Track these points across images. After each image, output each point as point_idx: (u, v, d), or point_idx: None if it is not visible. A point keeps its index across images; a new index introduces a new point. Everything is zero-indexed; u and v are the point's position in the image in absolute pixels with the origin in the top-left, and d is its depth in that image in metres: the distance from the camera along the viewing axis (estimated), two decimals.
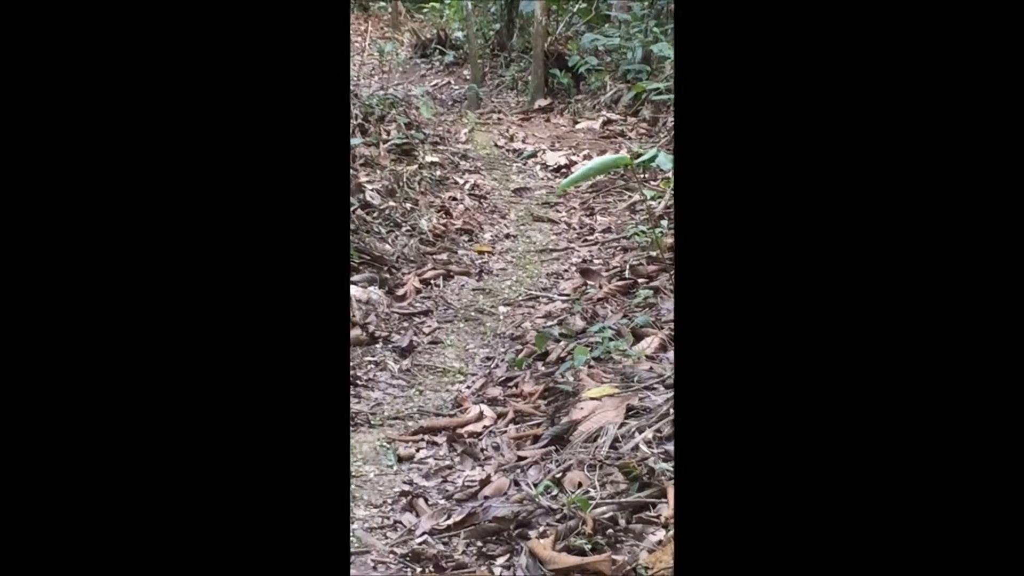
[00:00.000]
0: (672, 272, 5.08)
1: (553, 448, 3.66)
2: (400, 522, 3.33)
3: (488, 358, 4.74)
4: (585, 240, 6.40)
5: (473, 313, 5.32)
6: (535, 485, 3.39)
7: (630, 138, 8.51)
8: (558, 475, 3.42)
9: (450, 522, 3.25)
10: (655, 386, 3.88)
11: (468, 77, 11.11)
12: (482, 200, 7.32)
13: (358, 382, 4.40)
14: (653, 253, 5.55)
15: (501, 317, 5.28)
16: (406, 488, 3.54)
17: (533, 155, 8.56)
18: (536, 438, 3.78)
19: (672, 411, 3.53)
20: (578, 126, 9.36)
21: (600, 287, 5.28)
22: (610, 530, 3.03)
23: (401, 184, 6.75)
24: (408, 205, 6.56)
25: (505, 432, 3.89)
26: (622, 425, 3.62)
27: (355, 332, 4.79)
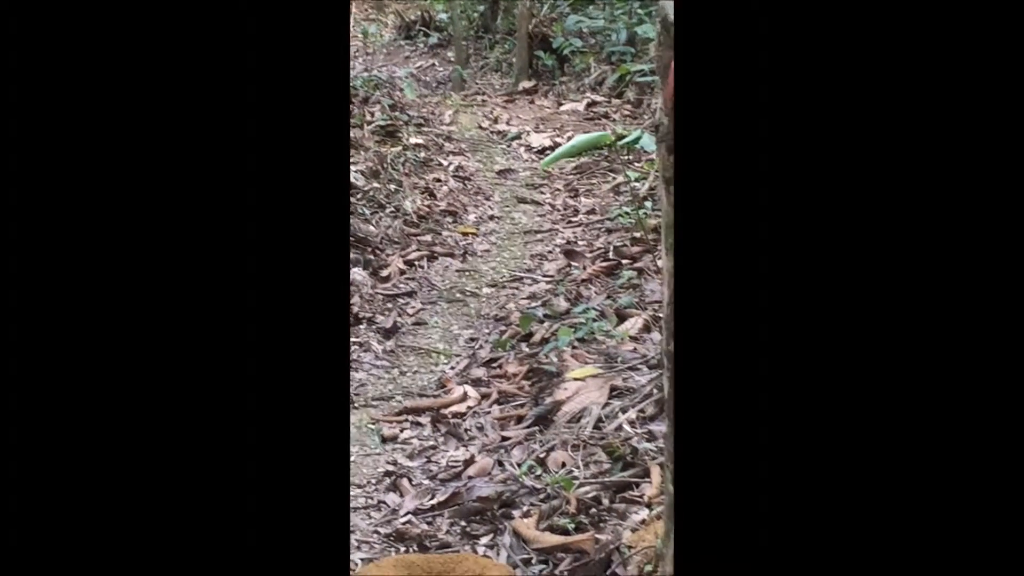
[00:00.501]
0: (656, 253, 5.09)
1: (537, 428, 3.67)
2: (384, 502, 3.33)
3: (472, 339, 4.75)
4: (569, 221, 6.40)
5: (457, 294, 5.32)
6: (519, 465, 3.40)
7: (614, 120, 8.50)
8: (542, 455, 3.43)
9: (434, 502, 3.27)
10: (639, 366, 3.89)
11: (452, 59, 11.07)
12: (466, 182, 7.31)
13: None
14: (637, 234, 5.55)
15: (485, 298, 5.28)
16: (390, 468, 3.55)
17: (517, 137, 8.54)
18: (520, 419, 3.79)
19: (655, 391, 3.55)
20: (562, 108, 9.34)
21: (584, 268, 5.29)
22: (593, 509, 3.04)
23: (385, 165, 6.73)
24: (392, 186, 6.54)
25: (489, 413, 3.89)
26: (606, 405, 3.64)
27: None
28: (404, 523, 3.17)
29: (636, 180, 6.48)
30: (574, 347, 4.22)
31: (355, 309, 4.90)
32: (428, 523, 3.17)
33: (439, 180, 7.13)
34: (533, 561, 2.85)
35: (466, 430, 3.80)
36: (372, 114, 7.64)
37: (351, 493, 3.37)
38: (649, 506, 2.98)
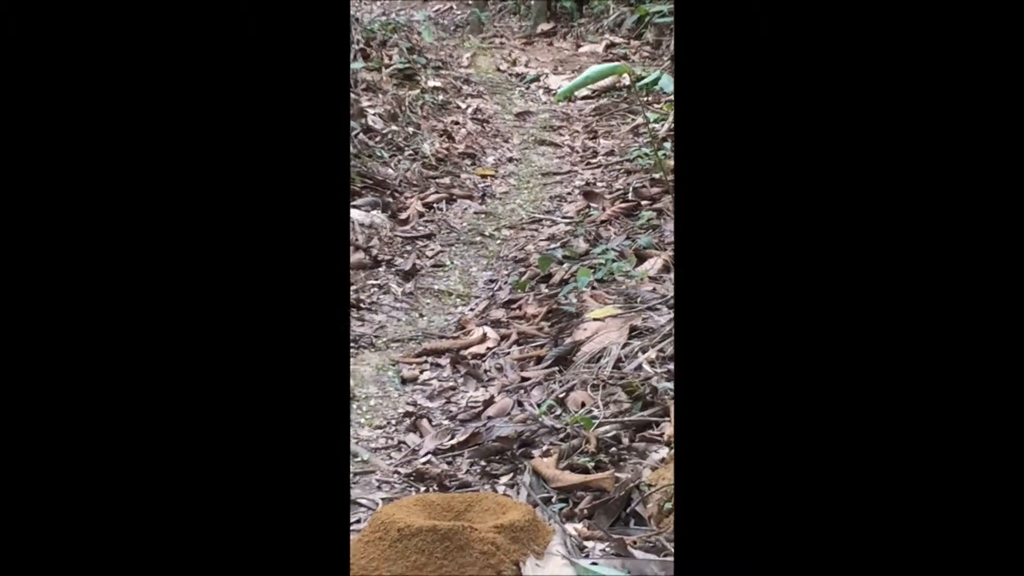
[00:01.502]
0: (675, 194, 5.07)
1: (556, 369, 3.66)
2: (404, 442, 3.34)
3: (491, 280, 4.74)
4: (588, 163, 6.37)
5: (476, 236, 5.31)
6: (538, 405, 3.40)
7: (633, 61, 8.43)
8: (561, 395, 3.43)
9: (454, 442, 3.27)
10: (658, 306, 3.87)
11: (470, 2, 11.00)
12: (485, 124, 7.27)
13: (361, 305, 4.40)
14: (656, 175, 5.52)
15: (504, 240, 5.26)
16: (410, 409, 3.56)
17: (536, 79, 8.49)
18: (539, 359, 3.78)
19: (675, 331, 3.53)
20: (581, 50, 9.28)
21: (603, 209, 5.26)
22: (613, 448, 3.04)
23: (403, 108, 6.70)
24: (411, 129, 6.52)
25: (508, 353, 3.89)
26: (625, 345, 3.63)
27: (358, 256, 4.78)
28: (424, 463, 3.18)
29: (655, 121, 6.43)
30: (593, 288, 4.21)
31: (374, 251, 4.90)
32: (448, 463, 3.17)
33: (457, 123, 7.10)
34: (553, 500, 2.85)
35: (485, 371, 3.80)
36: (390, 57, 7.60)
37: (371, 434, 3.38)
38: (669, 445, 2.97)
